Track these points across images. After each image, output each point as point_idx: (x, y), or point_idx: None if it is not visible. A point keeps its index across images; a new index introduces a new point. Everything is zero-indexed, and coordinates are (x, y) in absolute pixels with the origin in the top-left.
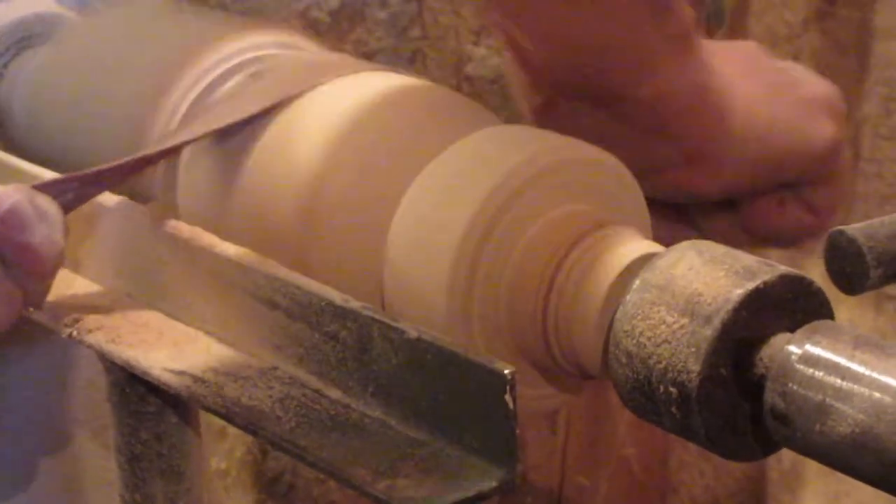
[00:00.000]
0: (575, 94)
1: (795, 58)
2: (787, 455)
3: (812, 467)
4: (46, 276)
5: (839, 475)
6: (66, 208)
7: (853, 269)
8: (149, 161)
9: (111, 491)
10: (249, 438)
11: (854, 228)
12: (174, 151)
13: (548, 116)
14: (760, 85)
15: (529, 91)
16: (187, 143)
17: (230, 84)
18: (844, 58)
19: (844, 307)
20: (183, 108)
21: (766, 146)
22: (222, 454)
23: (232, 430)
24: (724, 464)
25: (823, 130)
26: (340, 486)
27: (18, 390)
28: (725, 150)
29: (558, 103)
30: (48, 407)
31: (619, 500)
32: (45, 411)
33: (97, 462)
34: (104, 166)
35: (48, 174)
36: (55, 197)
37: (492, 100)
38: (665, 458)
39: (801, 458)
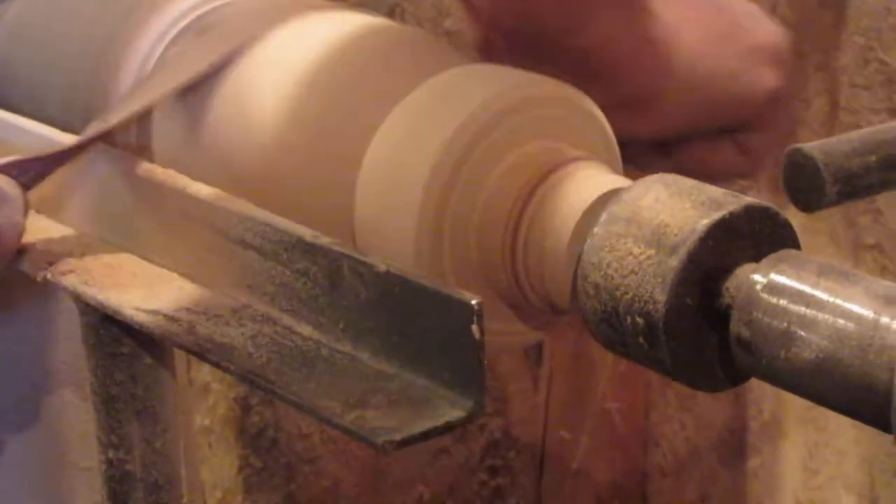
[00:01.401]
0: (511, 35)
1: (773, 9)
2: (767, 406)
3: (792, 418)
4: (7, 256)
5: (819, 425)
6: (27, 187)
7: (810, 186)
8: (107, 134)
9: (92, 440)
10: (232, 394)
11: (811, 146)
12: (129, 122)
13: (486, 53)
14: (706, 32)
15: (471, 27)
16: (140, 112)
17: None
18: (822, 7)
19: (821, 256)
20: (155, 55)
21: (704, 95)
22: (205, 411)
23: (215, 386)
24: (705, 416)
25: (765, 80)
26: (324, 441)
27: None
28: (662, 99)
29: (496, 41)
30: (29, 361)
31: (601, 453)
32: (25, 365)
33: (79, 415)
34: (65, 146)
35: (25, 122)
36: (16, 176)
37: (472, 54)
38: (646, 412)
39: (781, 409)
